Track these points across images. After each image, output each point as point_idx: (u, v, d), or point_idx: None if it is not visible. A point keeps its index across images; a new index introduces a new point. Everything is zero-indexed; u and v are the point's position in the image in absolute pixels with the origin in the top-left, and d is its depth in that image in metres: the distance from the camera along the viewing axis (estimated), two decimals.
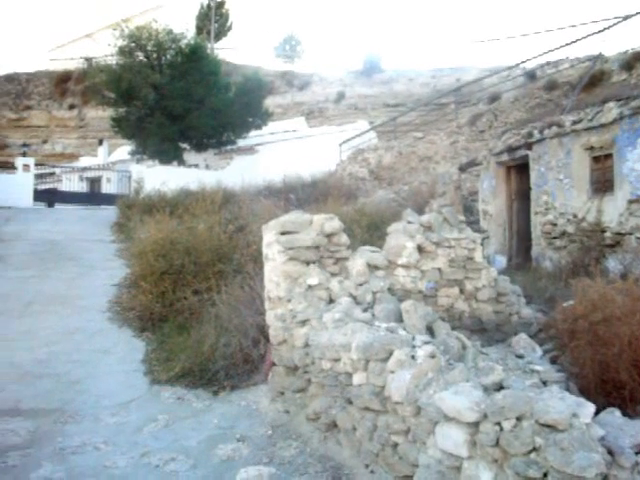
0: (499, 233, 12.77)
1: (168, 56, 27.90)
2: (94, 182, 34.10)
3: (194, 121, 26.58)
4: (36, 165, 27.43)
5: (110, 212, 21.06)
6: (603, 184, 10.12)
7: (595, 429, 3.45)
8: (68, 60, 46.27)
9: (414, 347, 4.87)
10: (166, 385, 7.47)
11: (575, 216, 10.50)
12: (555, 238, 10.93)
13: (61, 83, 47.38)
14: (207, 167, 30.31)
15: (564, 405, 3.53)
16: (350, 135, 27.37)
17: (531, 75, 24.09)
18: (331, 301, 6.14)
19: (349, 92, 40.68)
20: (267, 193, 19.04)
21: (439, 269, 6.95)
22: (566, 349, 5.71)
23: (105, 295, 11.21)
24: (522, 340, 6.27)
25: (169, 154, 27.67)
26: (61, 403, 6.89)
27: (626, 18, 14.73)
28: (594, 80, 20.27)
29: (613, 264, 9.15)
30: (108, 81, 27.33)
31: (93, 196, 30.59)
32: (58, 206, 26.41)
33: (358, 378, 5.01)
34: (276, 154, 27.92)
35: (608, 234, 9.74)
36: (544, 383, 4.97)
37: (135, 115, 27.74)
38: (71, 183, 33.18)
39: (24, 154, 33.18)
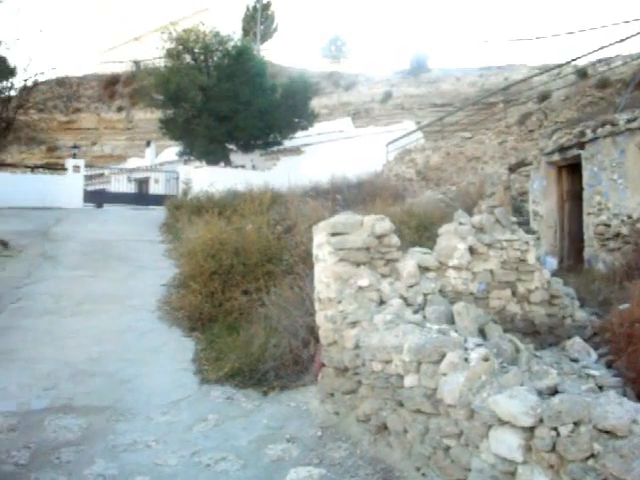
0: (550, 234, 12.58)
1: (215, 58, 28.10)
2: (142, 183, 34.54)
3: (241, 122, 26.72)
4: (85, 166, 27.85)
5: (158, 213, 21.30)
6: None
7: None
8: (117, 63, 46.92)
9: (466, 349, 4.81)
10: (216, 384, 7.51)
11: (629, 217, 10.28)
12: (608, 239, 10.71)
13: (110, 86, 48.12)
14: (254, 168, 30.46)
15: (623, 411, 3.46)
16: (397, 135, 27.24)
17: (582, 73, 23.68)
18: (382, 302, 6.10)
19: (396, 92, 40.50)
20: (313, 194, 19.03)
21: (491, 271, 6.86)
22: (622, 353, 5.60)
23: (154, 295, 11.34)
24: (576, 344, 6.16)
25: (216, 155, 27.88)
26: (113, 401, 6.99)
27: None
28: None
29: None
30: (156, 83, 27.66)
31: (141, 197, 30.97)
32: (107, 207, 26.80)
33: (410, 380, 4.97)
34: (322, 155, 27.91)
35: None
36: (600, 388, 4.88)
37: (183, 117, 28.01)
38: (119, 184, 33.67)
39: (74, 156, 33.73)
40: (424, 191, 19.43)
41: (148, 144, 41.34)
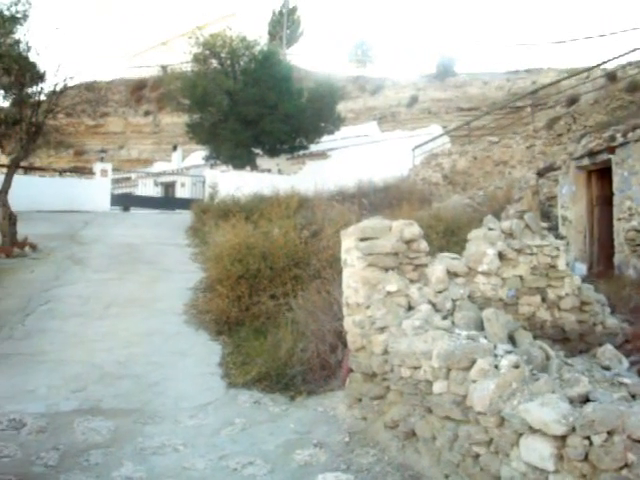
0: (579, 240, 12.45)
1: (242, 63, 28.23)
2: (168, 187, 34.74)
3: (267, 126, 26.79)
4: (113, 170, 28.07)
5: (184, 216, 21.40)
6: None
7: None
8: (144, 68, 47.28)
9: (496, 356, 4.77)
10: (243, 389, 7.51)
11: None
12: (639, 245, 10.58)
13: (137, 90, 48.53)
14: (279, 172, 30.53)
15: None
16: (423, 140, 27.14)
17: (612, 76, 23.44)
18: (410, 308, 6.07)
19: (422, 96, 40.41)
20: (340, 198, 19.05)
21: (520, 277, 6.80)
22: None
23: (181, 298, 11.37)
24: (608, 351, 6.09)
25: (242, 159, 27.97)
26: (141, 404, 7.02)
27: None
28: None
29: None
30: (183, 88, 27.83)
31: (167, 201, 31.16)
32: (133, 210, 26.99)
33: (439, 386, 4.94)
34: (348, 159, 27.91)
35: None
36: (633, 397, 4.80)
37: (209, 121, 28.15)
38: (146, 188, 33.94)
39: (101, 159, 34.04)
40: (451, 195, 19.35)
41: (175, 148, 41.63)
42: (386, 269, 6.28)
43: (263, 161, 30.12)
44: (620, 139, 11.16)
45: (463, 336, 5.19)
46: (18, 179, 17.16)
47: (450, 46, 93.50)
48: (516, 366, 4.47)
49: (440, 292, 6.20)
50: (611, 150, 11.40)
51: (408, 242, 6.41)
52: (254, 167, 28.80)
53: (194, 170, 33.17)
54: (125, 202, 28.06)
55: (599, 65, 22.20)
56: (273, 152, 29.85)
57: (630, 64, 22.51)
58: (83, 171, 33.06)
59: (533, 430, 3.85)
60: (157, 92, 44.45)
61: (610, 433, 3.48)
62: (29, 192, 20.91)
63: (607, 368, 5.80)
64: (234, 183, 21.47)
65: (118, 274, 12.92)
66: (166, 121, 45.27)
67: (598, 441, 3.48)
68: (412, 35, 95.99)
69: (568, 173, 12.84)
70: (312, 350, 7.46)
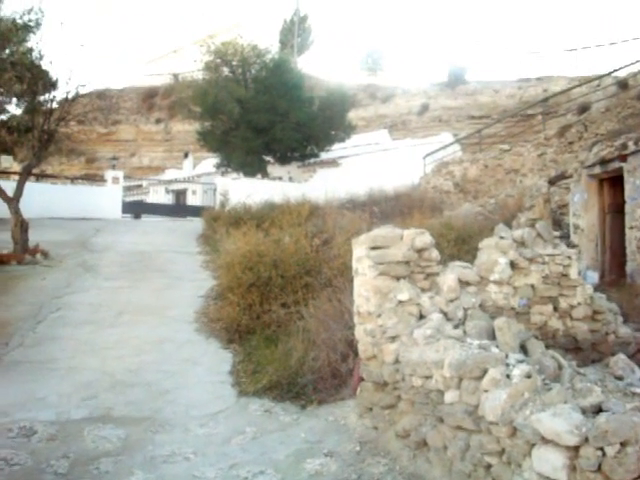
0: (591, 248, 12.40)
1: (253, 71, 28.38)
2: (179, 194, 34.90)
3: (278, 134, 26.87)
4: (124, 178, 28.20)
5: (195, 224, 21.47)
6: None
7: None
8: (155, 76, 47.52)
9: (508, 366, 4.75)
10: (253, 397, 7.49)
11: None
12: None
13: (148, 98, 48.85)
14: (290, 180, 30.62)
15: None
16: (434, 148, 27.16)
17: (623, 84, 23.37)
18: (421, 317, 6.05)
19: (433, 104, 40.44)
20: (350, 206, 19.05)
21: (532, 285, 6.77)
22: None
23: (192, 306, 11.39)
24: (620, 360, 6.03)
25: (253, 167, 28.06)
26: (151, 412, 7.01)
27: None
28: None
29: None
30: (194, 96, 27.99)
31: (178, 208, 31.31)
32: (145, 218, 27.11)
33: (450, 396, 4.92)
34: (359, 167, 27.97)
35: None
36: None
37: (220, 129, 28.28)
38: (157, 195, 34.10)
39: (113, 167, 34.21)
40: (462, 204, 19.31)
41: (186, 156, 41.83)
42: (397, 278, 6.27)
43: (274, 169, 30.20)
44: (632, 147, 11.13)
45: (475, 345, 5.17)
46: (30, 186, 17.24)
47: (461, 54, 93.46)
48: (528, 376, 4.45)
49: (451, 301, 6.18)
50: (623, 158, 11.36)
51: (419, 251, 6.39)
52: (265, 175, 28.88)
53: (205, 178, 33.29)
54: (136, 209, 28.20)
55: (610, 73, 22.15)
56: (284, 160, 29.94)
57: None
58: (94, 178, 33.26)
59: (545, 440, 3.82)
60: (168, 100, 44.74)
61: (623, 444, 3.46)
62: (41, 199, 21.05)
63: (620, 378, 5.75)
64: (245, 191, 21.53)
65: (129, 282, 12.96)
66: (177, 129, 45.52)
67: (611, 452, 3.45)
68: (423, 43, 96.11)
69: (580, 181, 12.80)
70: (323, 359, 7.44)
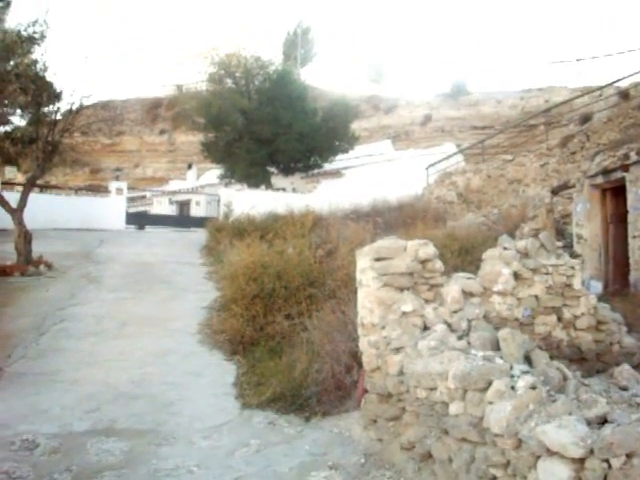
0: (594, 258, 12.37)
1: (256, 82, 28.50)
2: (183, 205, 34.93)
3: (282, 145, 26.93)
4: (128, 189, 28.26)
5: (199, 235, 21.48)
6: None
7: None
8: (159, 87, 47.72)
9: (512, 377, 4.74)
10: (257, 409, 7.46)
11: None
12: None
13: (152, 109, 49.02)
14: (294, 190, 30.63)
15: None
16: (437, 158, 27.16)
17: (624, 94, 23.40)
18: (425, 328, 6.05)
19: (436, 115, 40.53)
20: (354, 217, 19.05)
21: (536, 296, 6.76)
22: None
23: (195, 317, 11.38)
24: (625, 371, 6.02)
25: (257, 178, 28.11)
26: (155, 424, 6.99)
27: None
28: None
29: None
30: (198, 107, 28.11)
31: (182, 219, 31.33)
32: (148, 228, 27.15)
33: (455, 408, 4.91)
34: (362, 177, 27.97)
35: None
36: None
37: (224, 140, 28.35)
38: (161, 206, 34.14)
39: (117, 178, 34.29)
40: (465, 214, 19.30)
41: (189, 167, 41.93)
42: (401, 289, 6.26)
43: (278, 180, 30.24)
44: (634, 157, 11.13)
45: (479, 357, 5.16)
46: (34, 197, 17.31)
47: (463, 65, 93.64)
48: (533, 387, 4.44)
49: (455, 312, 6.18)
50: (625, 168, 11.36)
51: (423, 262, 6.39)
52: (269, 186, 28.93)
53: (209, 189, 33.34)
54: (140, 220, 28.25)
55: (612, 83, 22.17)
56: (288, 171, 30.00)
57: None
58: (98, 189, 33.32)
59: (551, 452, 3.80)
60: (172, 111, 44.86)
61: (629, 456, 3.45)
62: (45, 210, 21.11)
63: (624, 388, 5.73)
64: (249, 202, 21.54)
65: (133, 293, 12.95)
66: (181, 140, 45.66)
67: (617, 464, 3.44)
68: (426, 54, 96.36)
69: (582, 191, 12.79)
70: (327, 371, 7.42)
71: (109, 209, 25.55)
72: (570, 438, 3.67)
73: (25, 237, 14.96)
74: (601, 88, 23.68)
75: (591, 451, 3.56)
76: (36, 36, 15.42)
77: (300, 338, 8.68)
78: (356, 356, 7.10)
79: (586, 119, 23.32)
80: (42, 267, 14.68)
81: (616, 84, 22.71)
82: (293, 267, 10.81)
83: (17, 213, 15.27)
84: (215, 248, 17.53)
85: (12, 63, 15.01)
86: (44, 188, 27.41)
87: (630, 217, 11.25)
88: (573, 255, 11.66)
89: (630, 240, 11.24)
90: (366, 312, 6.51)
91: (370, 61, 50.32)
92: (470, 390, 4.78)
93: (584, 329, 7.01)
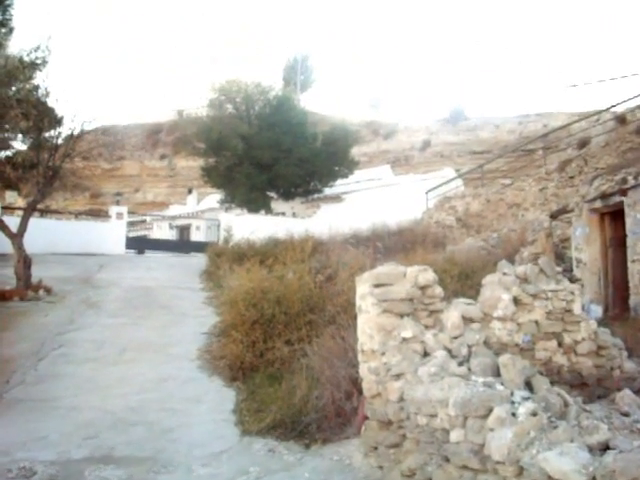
0: (594, 282, 12.36)
1: (256, 107, 28.68)
2: (183, 230, 34.99)
3: (282, 170, 27.03)
4: (128, 213, 28.30)
5: (199, 260, 21.48)
6: None
7: None
8: (160, 112, 47.99)
9: (513, 403, 4.71)
10: (257, 436, 7.41)
11: None
12: None
13: (153, 134, 49.22)
14: (294, 215, 30.69)
15: None
16: (436, 183, 27.24)
17: (621, 119, 23.52)
18: (426, 354, 6.02)
19: (435, 140, 40.71)
20: (354, 241, 19.06)
21: (536, 321, 6.75)
22: None
23: (195, 343, 11.37)
24: (626, 396, 5.99)
25: (257, 203, 28.18)
26: (154, 451, 6.94)
27: None
28: None
29: None
30: (198, 132, 28.29)
31: (182, 244, 31.37)
32: (148, 253, 27.15)
33: (456, 435, 4.87)
34: (362, 202, 28.03)
35: None
36: None
37: (224, 165, 28.47)
38: (161, 231, 34.19)
39: (117, 202, 34.35)
40: (465, 238, 19.32)
41: (190, 191, 42.04)
42: (401, 315, 6.25)
43: (278, 204, 30.31)
44: (632, 181, 11.16)
45: (479, 383, 5.13)
46: (34, 222, 17.34)
47: (462, 90, 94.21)
48: (534, 414, 4.41)
49: (455, 338, 6.16)
50: (623, 192, 11.39)
51: (423, 288, 6.38)
52: (269, 210, 28.99)
53: (209, 213, 33.41)
54: (140, 245, 28.27)
55: (608, 108, 22.31)
56: (288, 196, 30.08)
57: (639, 107, 22.60)
58: (99, 214, 33.38)
59: None
60: (173, 136, 45.11)
61: None
62: (45, 235, 21.12)
63: (626, 414, 5.71)
64: (249, 226, 21.59)
65: (133, 318, 12.94)
66: (181, 165, 45.84)
67: None
68: (425, 80, 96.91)
69: (581, 215, 12.81)
70: (327, 397, 7.38)
71: (109, 234, 25.57)
72: (572, 465, 3.65)
73: (25, 262, 14.97)
74: (598, 113, 23.85)
75: (593, 479, 3.53)
76: (38, 62, 15.55)
77: (300, 364, 8.64)
78: (356, 382, 7.06)
79: (584, 144, 23.42)
80: (41, 292, 14.67)
81: (613, 109, 22.87)
82: (293, 293, 10.79)
83: (17, 238, 15.29)
84: (215, 273, 17.52)
85: (14, 89, 15.11)
86: (44, 212, 27.47)
87: (629, 241, 11.27)
88: (573, 279, 11.65)
89: (629, 264, 11.25)
90: (366, 338, 6.49)
91: (369, 86, 50.64)
92: (471, 417, 4.75)
93: (585, 354, 6.98)
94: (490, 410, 4.63)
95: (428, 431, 5.27)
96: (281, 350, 9.70)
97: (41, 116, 15.61)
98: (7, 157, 17.12)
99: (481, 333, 6.34)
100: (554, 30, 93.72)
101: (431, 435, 5.22)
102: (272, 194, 29.55)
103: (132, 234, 31.38)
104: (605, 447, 4.00)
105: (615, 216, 12.02)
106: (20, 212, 19.55)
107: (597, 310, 11.76)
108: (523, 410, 4.49)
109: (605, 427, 4.28)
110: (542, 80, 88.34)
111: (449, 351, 5.99)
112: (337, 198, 31.40)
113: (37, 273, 15.33)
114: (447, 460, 5.00)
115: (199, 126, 28.51)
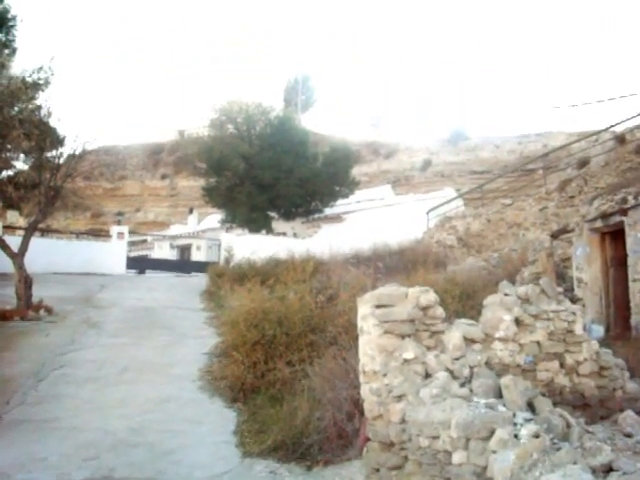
0: (595, 301, 12.35)
1: (257, 128, 28.79)
2: (184, 250, 35.01)
3: (283, 190, 27.10)
4: (129, 233, 28.32)
5: (200, 280, 21.50)
6: None
7: None
8: (161, 132, 48.21)
9: (516, 425, 4.69)
10: (258, 458, 7.38)
11: None
12: None
13: (154, 154, 49.42)
14: (295, 235, 30.72)
15: None
16: (437, 203, 27.28)
17: (620, 139, 23.58)
18: (427, 375, 6.01)
19: (435, 160, 40.86)
20: (355, 261, 19.05)
21: (538, 342, 6.73)
22: None
23: (196, 364, 11.34)
24: (629, 417, 5.97)
25: (258, 223, 28.22)
26: (154, 473, 6.91)
27: None
28: None
29: None
30: (200, 152, 28.40)
31: (183, 264, 31.38)
32: (149, 273, 27.14)
33: (458, 457, 4.85)
34: (363, 222, 28.04)
35: None
36: None
37: (225, 185, 28.54)
38: (162, 250, 34.21)
39: (118, 222, 34.40)
40: (465, 258, 19.32)
41: (191, 211, 42.10)
42: (402, 336, 6.24)
43: (278, 224, 30.34)
44: (632, 201, 11.18)
45: (482, 404, 5.12)
46: (35, 241, 17.34)
47: (462, 111, 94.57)
48: (536, 435, 4.39)
49: (457, 359, 6.14)
50: (623, 212, 11.41)
51: (424, 309, 6.38)
52: (270, 230, 29.02)
53: (210, 233, 33.46)
54: (141, 265, 28.30)
55: (608, 128, 22.38)
56: (288, 216, 30.12)
57: (638, 127, 22.70)
58: (100, 234, 33.41)
59: None
60: (174, 156, 45.30)
61: None
62: (46, 254, 21.13)
63: (629, 435, 5.69)
64: (250, 246, 21.60)
65: (133, 339, 12.92)
66: (182, 184, 45.98)
67: None
68: (425, 100, 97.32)
69: (582, 235, 12.82)
70: (329, 418, 7.35)
71: (110, 253, 25.59)
72: None
73: (25, 281, 14.97)
74: (597, 133, 23.93)
75: None
76: (41, 82, 15.63)
77: (301, 385, 8.62)
78: (358, 404, 7.03)
79: (584, 163, 23.46)
80: (42, 312, 14.66)
81: (612, 129, 22.94)
82: (294, 313, 10.77)
83: (18, 257, 15.30)
84: (216, 293, 17.53)
85: (16, 109, 15.18)
86: (45, 232, 27.51)
87: (630, 260, 11.27)
88: (574, 299, 11.65)
89: (630, 283, 11.24)
90: (367, 359, 6.47)
91: (370, 107, 50.90)
92: (473, 439, 4.73)
93: (587, 375, 6.96)
94: (492, 432, 4.61)
95: (430, 453, 5.24)
96: (282, 371, 9.67)
97: (43, 136, 15.67)
98: (9, 177, 17.18)
99: (483, 354, 6.33)
100: (554, 50, 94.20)
101: (433, 457, 5.20)
102: (273, 214, 29.60)
103: (133, 254, 31.42)
104: (608, 469, 3.99)
105: (616, 236, 12.03)
106: (21, 232, 19.59)
107: (599, 330, 11.74)
108: (525, 432, 4.48)
109: (608, 448, 4.27)
110: (542, 100, 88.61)
111: (451, 372, 5.97)
112: (338, 218, 31.43)
113: (38, 293, 15.32)
114: None
115: (200, 146, 28.64)
